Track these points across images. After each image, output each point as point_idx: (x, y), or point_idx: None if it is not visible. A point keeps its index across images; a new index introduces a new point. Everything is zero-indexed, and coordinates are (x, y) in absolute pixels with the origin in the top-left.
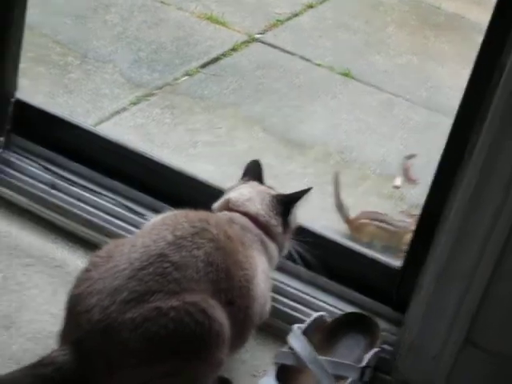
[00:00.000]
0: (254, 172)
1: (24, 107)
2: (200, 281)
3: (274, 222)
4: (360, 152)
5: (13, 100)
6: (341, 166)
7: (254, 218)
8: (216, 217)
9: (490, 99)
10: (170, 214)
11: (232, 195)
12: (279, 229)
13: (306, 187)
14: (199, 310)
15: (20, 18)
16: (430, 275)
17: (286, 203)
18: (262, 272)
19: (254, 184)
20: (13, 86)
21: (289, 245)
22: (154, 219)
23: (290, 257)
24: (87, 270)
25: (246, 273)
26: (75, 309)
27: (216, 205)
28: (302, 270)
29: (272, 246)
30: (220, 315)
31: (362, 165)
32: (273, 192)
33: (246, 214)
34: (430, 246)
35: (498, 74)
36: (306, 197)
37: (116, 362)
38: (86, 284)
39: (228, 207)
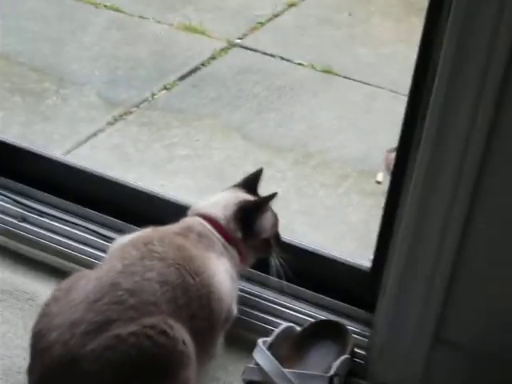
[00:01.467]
0: (248, 180)
1: None
2: (158, 302)
3: (233, 227)
4: (341, 150)
5: None
6: (321, 167)
7: (213, 222)
8: (161, 233)
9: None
10: (122, 241)
11: (201, 201)
12: (238, 234)
13: (273, 192)
14: (158, 332)
15: None
16: (392, 276)
17: (248, 210)
18: (225, 272)
19: (237, 190)
20: None
21: (256, 255)
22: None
23: (270, 269)
24: (47, 305)
25: (203, 277)
26: (37, 346)
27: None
28: (270, 278)
29: (233, 252)
30: (181, 333)
31: (343, 163)
32: (241, 199)
33: (205, 217)
34: (391, 246)
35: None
36: (268, 204)
37: None
38: (45, 319)
39: (194, 212)
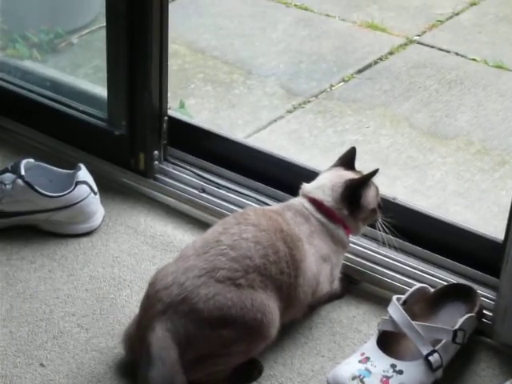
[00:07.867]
0: (345, 158)
1: (176, 123)
2: (253, 257)
3: (340, 205)
4: (502, 139)
5: (166, 118)
6: (480, 154)
7: (317, 203)
8: (257, 209)
9: None
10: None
11: (308, 184)
12: (345, 212)
13: (375, 169)
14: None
15: (158, 44)
16: None
17: (354, 188)
18: (313, 255)
19: (338, 170)
20: (164, 106)
21: (365, 224)
22: None
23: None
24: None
25: (293, 253)
26: (154, 289)
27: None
28: (407, 245)
29: (336, 229)
30: (272, 304)
31: (503, 151)
32: (347, 177)
33: (310, 199)
34: None
35: None
36: (372, 179)
37: (193, 332)
38: (160, 272)
39: (302, 193)
